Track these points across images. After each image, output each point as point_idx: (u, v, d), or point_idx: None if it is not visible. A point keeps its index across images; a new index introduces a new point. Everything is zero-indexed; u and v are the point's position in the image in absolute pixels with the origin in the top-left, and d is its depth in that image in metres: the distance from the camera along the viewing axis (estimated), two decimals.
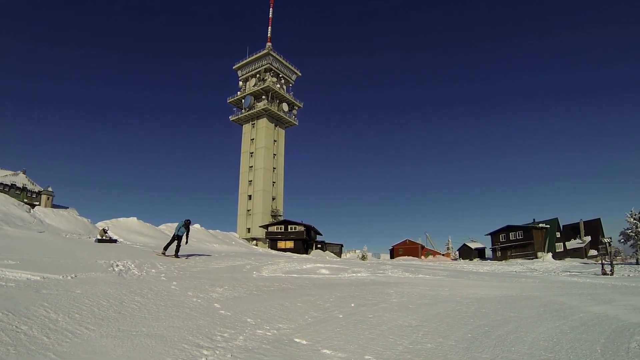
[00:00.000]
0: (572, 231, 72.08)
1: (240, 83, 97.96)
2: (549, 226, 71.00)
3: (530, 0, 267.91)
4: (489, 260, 68.13)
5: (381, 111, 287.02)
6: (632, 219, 49.58)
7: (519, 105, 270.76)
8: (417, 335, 7.87)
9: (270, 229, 76.57)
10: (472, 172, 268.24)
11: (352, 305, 10.46)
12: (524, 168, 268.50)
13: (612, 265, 33.09)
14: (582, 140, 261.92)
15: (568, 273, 33.56)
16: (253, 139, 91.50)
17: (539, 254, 64.50)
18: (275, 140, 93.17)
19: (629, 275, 30.55)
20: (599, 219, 73.13)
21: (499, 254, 71.36)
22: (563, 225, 74.17)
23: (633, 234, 48.58)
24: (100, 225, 36.34)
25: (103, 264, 12.63)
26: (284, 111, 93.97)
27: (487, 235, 75.68)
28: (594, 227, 70.42)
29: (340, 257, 72.12)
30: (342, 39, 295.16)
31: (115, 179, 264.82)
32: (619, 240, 51.89)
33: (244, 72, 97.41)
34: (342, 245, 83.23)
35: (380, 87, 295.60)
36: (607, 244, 39.99)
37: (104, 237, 24.37)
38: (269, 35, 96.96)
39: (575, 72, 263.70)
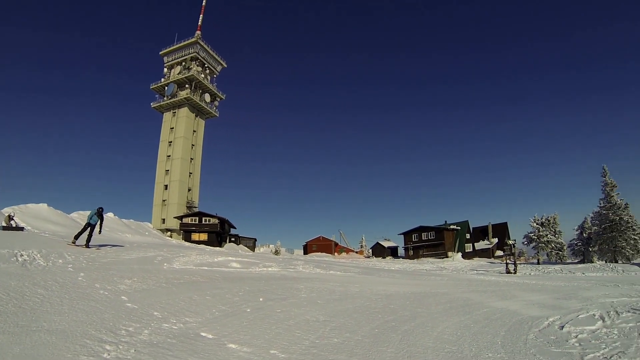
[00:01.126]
0: (481, 233, 76.58)
1: (165, 70, 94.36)
2: (459, 228, 75.17)
3: None
4: (401, 259, 70.55)
5: (302, 109, 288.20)
6: (534, 224, 53.85)
7: (431, 111, 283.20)
8: (324, 330, 7.85)
9: (185, 220, 74.76)
10: (386, 174, 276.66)
11: (261, 299, 10.28)
12: (436, 172, 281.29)
13: (515, 264, 35.23)
14: (493, 146, 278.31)
15: (475, 272, 35.42)
16: (173, 128, 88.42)
17: (450, 253, 67.83)
18: (194, 131, 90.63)
19: (530, 274, 32.73)
20: (506, 222, 78.56)
21: (411, 252, 74.22)
22: (473, 228, 78.78)
23: (535, 237, 52.62)
24: (6, 211, 33.09)
25: (6, 254, 11.45)
26: (205, 102, 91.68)
27: (400, 234, 78.60)
28: (501, 230, 75.38)
29: (254, 251, 71.64)
30: (273, 34, 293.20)
31: (24, 163, 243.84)
32: (523, 243, 55.96)
33: (170, 59, 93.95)
34: (255, 240, 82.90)
35: (302, 85, 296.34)
36: (512, 246, 42.54)
37: (9, 225, 22.51)
38: (199, 23, 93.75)
39: (491, 80, 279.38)
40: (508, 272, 33.81)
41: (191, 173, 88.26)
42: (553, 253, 52.44)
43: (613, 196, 44.28)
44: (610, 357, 6.88)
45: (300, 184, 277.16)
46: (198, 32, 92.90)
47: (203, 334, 6.63)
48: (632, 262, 41.55)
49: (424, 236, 73.81)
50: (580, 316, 10.89)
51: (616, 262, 42.28)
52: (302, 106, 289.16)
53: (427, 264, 46.49)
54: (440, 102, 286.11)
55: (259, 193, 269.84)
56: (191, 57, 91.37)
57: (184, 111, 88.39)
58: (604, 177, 45.01)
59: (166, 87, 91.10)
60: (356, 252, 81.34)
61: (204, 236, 70.47)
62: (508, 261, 36.77)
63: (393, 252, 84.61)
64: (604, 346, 7.66)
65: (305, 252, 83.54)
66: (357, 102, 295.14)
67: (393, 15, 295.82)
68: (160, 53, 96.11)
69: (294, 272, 18.19)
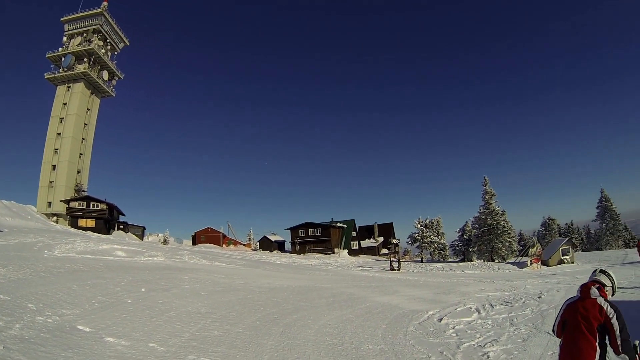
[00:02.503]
0: (367, 232, 79.61)
1: (65, 39, 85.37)
2: (345, 226, 77.51)
3: None
4: (288, 253, 71.01)
5: (200, 97, 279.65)
6: (419, 225, 57.31)
7: (319, 112, 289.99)
8: (205, 322, 7.66)
9: (72, 204, 68.98)
10: (275, 170, 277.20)
11: (143, 290, 9.79)
12: (325, 171, 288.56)
13: (399, 262, 37.00)
14: (382, 150, 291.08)
15: (360, 268, 36.61)
16: (66, 104, 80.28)
17: (336, 250, 69.58)
18: (89, 109, 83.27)
19: (413, 271, 34.48)
20: (392, 223, 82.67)
21: (298, 247, 75.00)
22: (359, 227, 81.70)
23: (419, 237, 55.97)
24: None
25: None
26: (103, 79, 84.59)
27: (287, 229, 79.05)
28: (387, 230, 78.92)
29: (142, 239, 68.22)
30: (182, 16, 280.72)
31: None
32: (407, 242, 59.10)
33: (71, 28, 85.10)
34: (144, 228, 78.93)
35: (204, 74, 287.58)
36: (396, 244, 44.69)
37: None
38: None
39: (374, 84, 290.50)
40: (392, 269, 35.31)
41: (82, 154, 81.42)
42: (436, 252, 56.24)
43: (492, 203, 48.45)
44: (484, 345, 7.39)
45: (191, 174, 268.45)
46: (105, 2, 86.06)
47: (80, 327, 6.14)
48: (507, 261, 45.55)
49: (310, 232, 74.89)
50: (458, 309, 11.64)
51: (493, 261, 46.28)
52: (200, 94, 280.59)
53: (314, 259, 47.28)
54: (329, 103, 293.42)
55: (149, 180, 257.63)
56: (94, 29, 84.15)
57: (80, 87, 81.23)
58: (485, 186, 49.47)
59: (63, 58, 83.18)
60: (244, 245, 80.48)
61: (91, 222, 65.79)
62: (392, 259, 38.41)
63: (280, 246, 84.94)
64: (478, 335, 8.22)
65: (194, 243, 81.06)
66: (252, 95, 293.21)
67: None
68: (62, 19, 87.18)
69: (180, 263, 17.71)
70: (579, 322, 3.37)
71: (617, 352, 3.28)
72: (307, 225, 74.60)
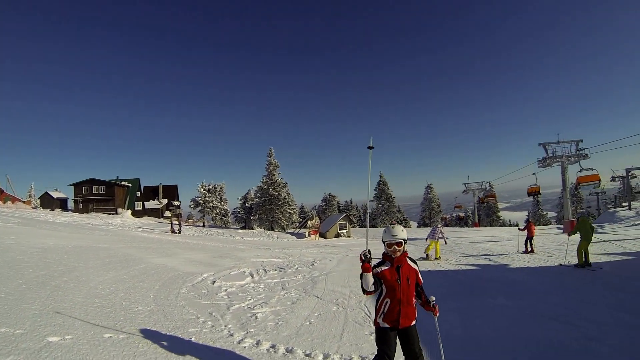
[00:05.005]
0: (152, 193, 75.76)
1: None
2: (130, 185, 72.55)
3: None
4: (70, 212, 64.11)
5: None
6: (202, 189, 55.85)
7: (117, 60, 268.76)
8: None
9: None
10: (60, 117, 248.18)
11: None
12: (110, 124, 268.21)
13: (180, 225, 36.25)
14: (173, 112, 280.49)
15: (142, 229, 34.91)
16: None
17: (119, 210, 65.04)
18: None
19: (193, 235, 34.11)
20: (177, 185, 79.99)
21: (80, 206, 68.20)
22: (144, 187, 77.28)
23: (202, 202, 54.76)
24: None
25: None
26: None
27: (70, 185, 71.37)
28: (171, 192, 76.24)
29: None
30: None
31: None
32: (190, 206, 57.43)
33: None
34: None
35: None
36: (177, 206, 43.56)
37: None
38: None
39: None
40: (173, 231, 34.59)
41: None
42: (218, 218, 55.76)
43: (275, 175, 49.72)
44: (254, 307, 7.69)
45: None
46: None
47: None
48: (286, 231, 47.84)
49: (94, 190, 68.56)
50: (232, 273, 11.90)
51: (273, 230, 48.11)
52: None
53: (96, 219, 43.42)
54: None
55: None
56: None
57: None
58: (270, 157, 50.41)
59: None
60: (23, 202, 70.11)
61: None
62: (174, 221, 37.56)
63: (63, 204, 76.20)
64: (250, 298, 8.52)
65: None
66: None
67: None
68: None
69: None
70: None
71: None
72: (92, 182, 67.67)
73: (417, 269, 3.91)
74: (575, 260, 13.33)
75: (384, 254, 3.90)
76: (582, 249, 12.83)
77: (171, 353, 4.72)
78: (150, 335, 5.35)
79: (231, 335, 5.74)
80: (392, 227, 3.87)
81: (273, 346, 5.30)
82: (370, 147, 4.69)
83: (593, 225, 14.22)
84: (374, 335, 3.88)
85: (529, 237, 17.40)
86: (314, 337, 5.84)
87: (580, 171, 36.81)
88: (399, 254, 3.80)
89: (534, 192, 47.12)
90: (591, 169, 36.45)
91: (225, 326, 6.21)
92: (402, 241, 3.81)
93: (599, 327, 6.28)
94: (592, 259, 13.23)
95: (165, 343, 5.06)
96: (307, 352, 5.12)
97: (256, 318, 6.85)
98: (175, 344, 5.13)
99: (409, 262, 3.88)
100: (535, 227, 18.92)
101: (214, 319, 6.65)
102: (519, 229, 18.24)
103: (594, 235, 13.39)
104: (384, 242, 3.87)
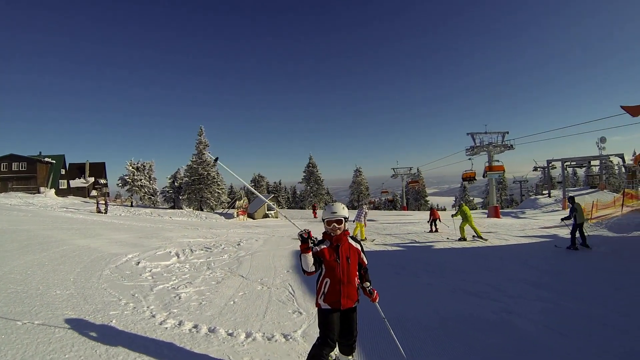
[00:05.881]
0: (78, 170, 71.54)
1: None
2: (54, 162, 68.01)
3: None
4: None
5: None
6: (130, 167, 53.50)
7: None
8: None
9: None
10: None
11: None
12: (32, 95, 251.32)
13: (106, 204, 34.75)
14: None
15: (65, 209, 33.13)
16: None
17: (42, 188, 61.06)
18: None
19: (120, 215, 32.85)
20: (104, 162, 75.67)
21: None
22: (70, 164, 72.50)
23: (130, 181, 52.53)
24: None
25: None
26: None
27: None
28: (99, 170, 72.49)
29: None
30: None
31: None
32: (118, 185, 54.96)
33: None
34: None
35: None
36: (104, 185, 41.62)
37: None
38: None
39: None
40: (99, 211, 33.20)
41: None
42: (146, 197, 53.70)
43: (205, 154, 48.45)
44: (178, 287, 7.61)
45: None
46: None
47: None
48: (215, 211, 47.09)
49: (14, 166, 63.64)
50: (157, 253, 11.65)
51: (202, 210, 47.19)
52: None
53: (15, 199, 40.68)
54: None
55: None
56: None
57: None
58: (200, 136, 49.18)
59: None
60: None
61: None
62: (100, 201, 36.03)
63: None
64: (174, 278, 8.42)
65: None
66: None
67: None
68: None
69: None
70: None
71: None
72: (11, 158, 62.31)
73: (359, 248, 3.93)
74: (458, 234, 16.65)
75: (324, 232, 3.90)
76: (463, 227, 16.26)
77: (89, 338, 4.63)
78: (68, 320, 5.20)
79: (153, 316, 5.68)
80: (333, 205, 3.89)
81: (195, 326, 5.31)
82: (215, 159, 4.99)
83: (469, 209, 18.07)
84: (316, 317, 3.90)
85: (434, 219, 20.34)
86: (237, 316, 5.90)
87: (487, 162, 42.28)
88: (339, 232, 3.80)
89: (469, 178, 48.50)
90: (497, 161, 42.04)
91: (147, 307, 6.12)
92: (343, 219, 3.81)
93: (515, 300, 6.84)
94: (515, 241, 15.62)
95: (83, 327, 4.95)
96: (230, 331, 5.18)
97: (180, 298, 6.79)
98: (94, 328, 5.02)
99: (350, 240, 3.89)
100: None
101: (137, 300, 6.53)
102: (452, 216, 19.71)
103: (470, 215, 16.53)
104: (323, 220, 3.88)
